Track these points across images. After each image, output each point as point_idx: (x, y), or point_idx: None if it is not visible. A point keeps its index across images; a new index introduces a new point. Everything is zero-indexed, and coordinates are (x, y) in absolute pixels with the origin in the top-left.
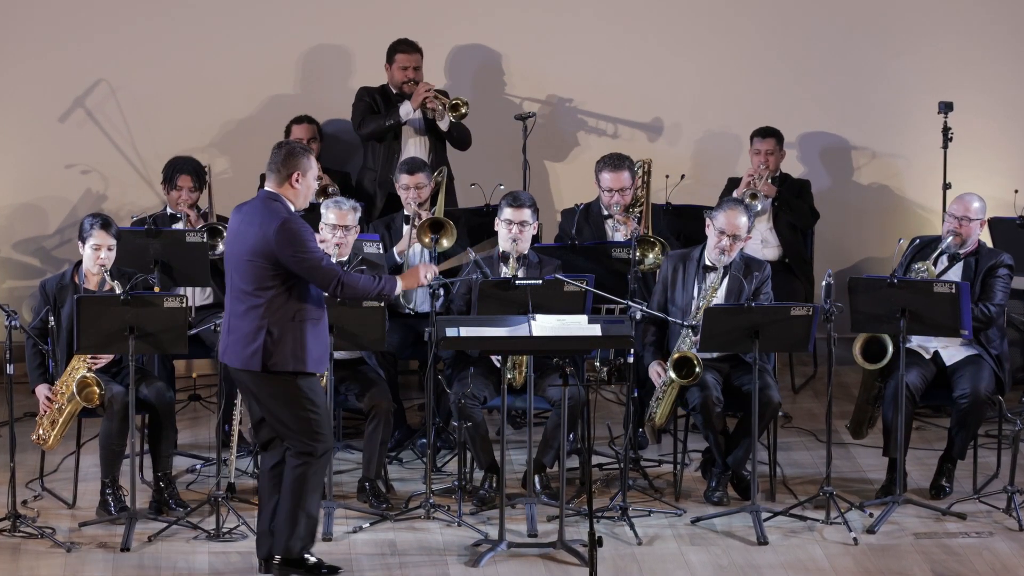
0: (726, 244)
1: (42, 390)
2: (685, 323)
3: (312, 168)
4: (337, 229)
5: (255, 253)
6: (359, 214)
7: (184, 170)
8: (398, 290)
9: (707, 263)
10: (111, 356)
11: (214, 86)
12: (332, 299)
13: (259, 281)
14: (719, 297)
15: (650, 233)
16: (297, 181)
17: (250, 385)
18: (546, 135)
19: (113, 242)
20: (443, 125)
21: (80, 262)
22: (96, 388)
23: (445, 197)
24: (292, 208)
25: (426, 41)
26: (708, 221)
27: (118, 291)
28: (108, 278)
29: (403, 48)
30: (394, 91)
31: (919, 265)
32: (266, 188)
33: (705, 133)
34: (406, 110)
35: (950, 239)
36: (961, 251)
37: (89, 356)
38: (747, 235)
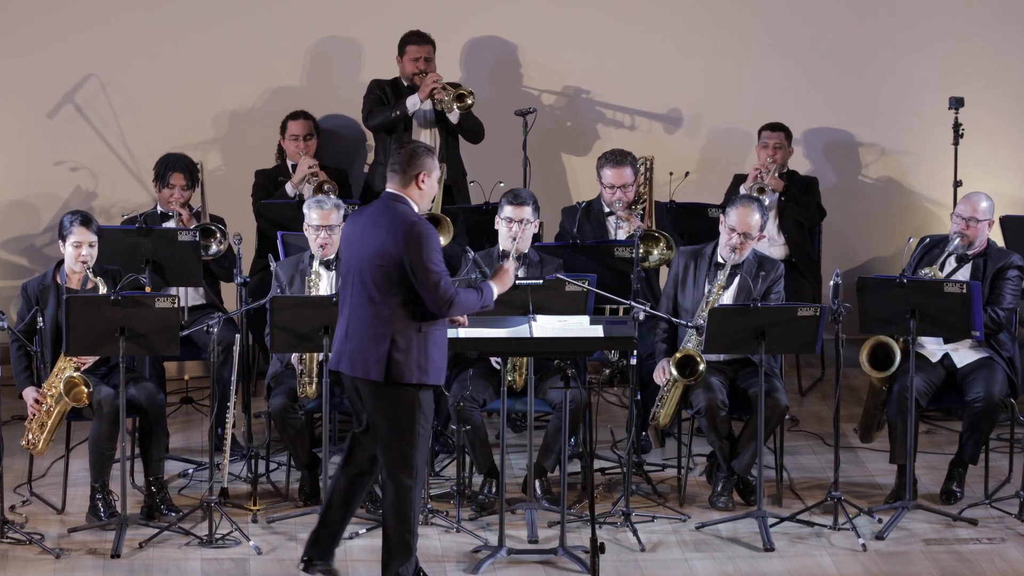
0: (737, 242)
1: (29, 393)
2: (689, 324)
3: (436, 169)
4: (320, 229)
5: (383, 256)
6: (343, 212)
7: (176, 168)
8: (495, 296)
9: (719, 261)
10: (96, 356)
11: (207, 81)
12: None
13: (387, 286)
14: (727, 297)
15: (654, 228)
16: (423, 182)
17: (366, 395)
18: (548, 131)
19: (94, 239)
20: (453, 118)
21: (61, 262)
22: (84, 388)
23: (458, 194)
24: (417, 210)
25: (421, 32)
26: (721, 218)
27: (101, 289)
28: (91, 275)
29: (414, 40)
30: (405, 83)
31: (926, 271)
32: (388, 189)
33: (711, 129)
34: (413, 102)
35: (957, 240)
36: (969, 252)
37: (75, 357)
38: (760, 234)
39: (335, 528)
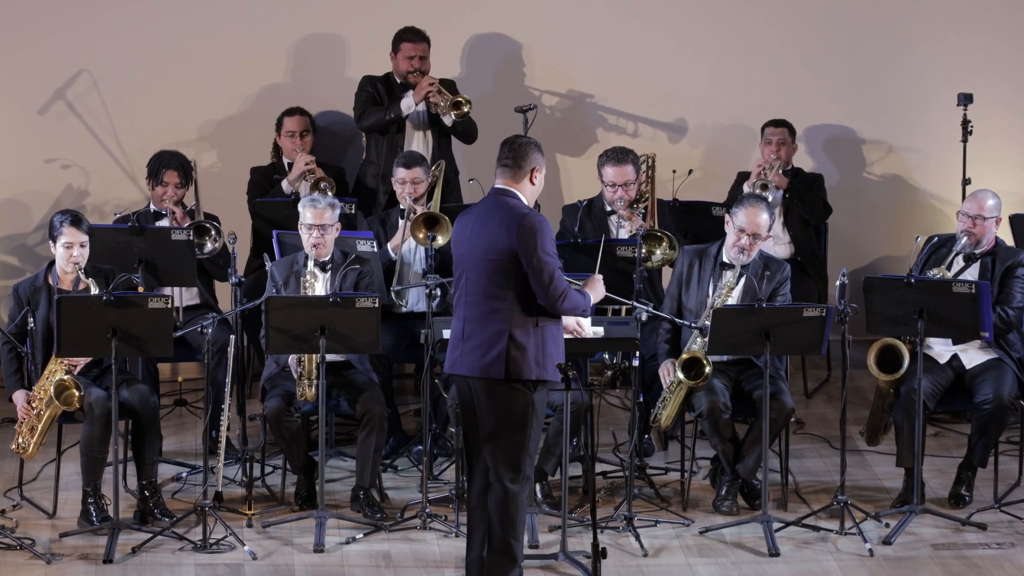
0: (746, 243)
1: (19, 396)
2: (693, 325)
3: (544, 165)
4: (313, 229)
5: (497, 251)
6: (338, 211)
7: (170, 165)
8: (592, 303)
9: (724, 261)
10: (89, 358)
11: (201, 77)
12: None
13: (503, 281)
14: (734, 297)
15: (656, 228)
16: (535, 177)
17: (482, 395)
18: (551, 128)
19: (85, 239)
20: (447, 120)
21: (53, 262)
22: (75, 391)
23: (449, 193)
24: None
25: (420, 27)
26: (727, 218)
27: (93, 290)
28: (83, 276)
29: (409, 37)
30: (399, 81)
31: (934, 272)
32: (498, 185)
33: (715, 126)
34: (408, 104)
35: (964, 239)
36: (977, 251)
37: (67, 359)
38: (768, 234)
39: (483, 541)
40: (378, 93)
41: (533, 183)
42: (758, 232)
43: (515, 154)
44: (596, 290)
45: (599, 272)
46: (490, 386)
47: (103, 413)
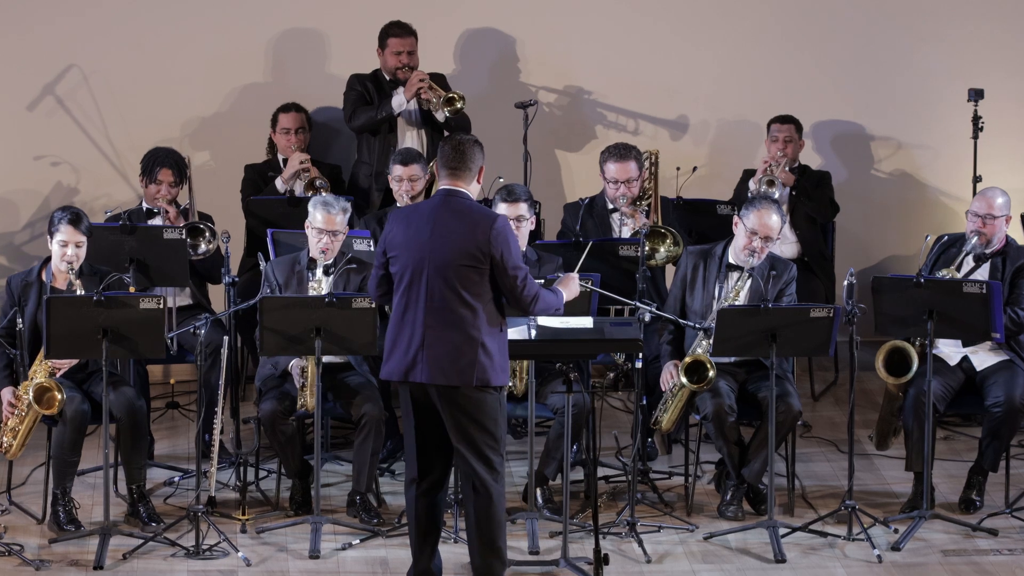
0: (758, 246)
1: (6, 394)
2: (697, 325)
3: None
4: (324, 234)
5: (472, 256)
6: (348, 215)
7: (165, 163)
8: (564, 300)
9: (730, 262)
10: (74, 360)
11: (194, 73)
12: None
13: (478, 287)
14: (741, 300)
15: (659, 224)
16: (481, 174)
17: (449, 403)
18: (552, 124)
19: (83, 239)
20: (440, 116)
21: (49, 258)
22: (57, 394)
23: None
24: None
25: (415, 20)
26: (736, 220)
27: (80, 292)
28: (73, 278)
29: (395, 32)
30: (387, 78)
31: (944, 272)
32: (448, 186)
33: (720, 123)
34: (399, 101)
35: (975, 239)
36: (987, 251)
37: (51, 361)
38: (778, 235)
39: (432, 551)
40: (367, 92)
41: (479, 182)
42: (770, 235)
43: (463, 155)
44: (570, 288)
45: (595, 272)
46: (460, 393)
47: (75, 416)
